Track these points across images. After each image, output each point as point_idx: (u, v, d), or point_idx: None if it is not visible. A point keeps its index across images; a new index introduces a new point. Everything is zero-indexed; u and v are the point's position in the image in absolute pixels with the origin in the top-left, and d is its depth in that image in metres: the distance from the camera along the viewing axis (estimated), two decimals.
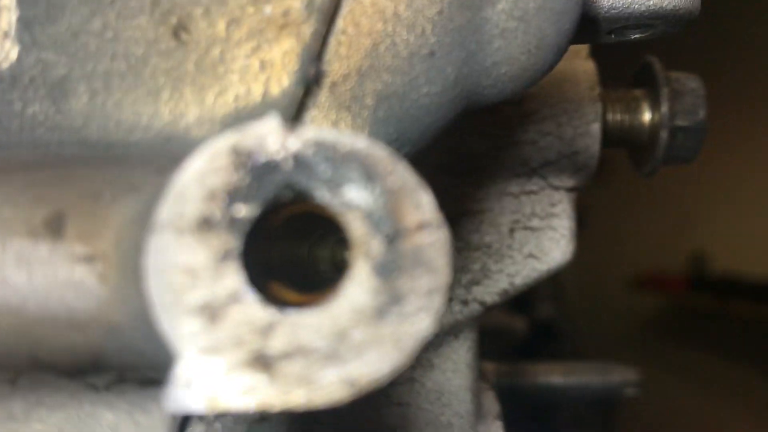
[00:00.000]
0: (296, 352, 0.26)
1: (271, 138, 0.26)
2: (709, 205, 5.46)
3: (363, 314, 0.26)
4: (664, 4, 0.42)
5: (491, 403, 0.65)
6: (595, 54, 0.65)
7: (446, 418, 0.62)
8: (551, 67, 0.38)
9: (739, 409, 4.04)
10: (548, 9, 0.35)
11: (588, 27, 0.41)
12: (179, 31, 0.33)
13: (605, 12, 0.42)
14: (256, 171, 0.26)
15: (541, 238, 0.62)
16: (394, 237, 0.26)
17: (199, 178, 0.26)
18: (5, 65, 0.33)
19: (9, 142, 0.33)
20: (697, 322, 5.67)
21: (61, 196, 0.29)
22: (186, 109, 0.33)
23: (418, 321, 0.26)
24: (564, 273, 0.65)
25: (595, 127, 0.61)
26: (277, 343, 0.26)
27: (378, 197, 0.26)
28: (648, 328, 5.83)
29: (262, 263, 0.28)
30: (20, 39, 0.33)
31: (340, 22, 0.33)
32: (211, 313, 0.26)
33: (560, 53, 0.38)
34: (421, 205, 0.26)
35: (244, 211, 0.26)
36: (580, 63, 0.62)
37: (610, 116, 0.62)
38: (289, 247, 0.31)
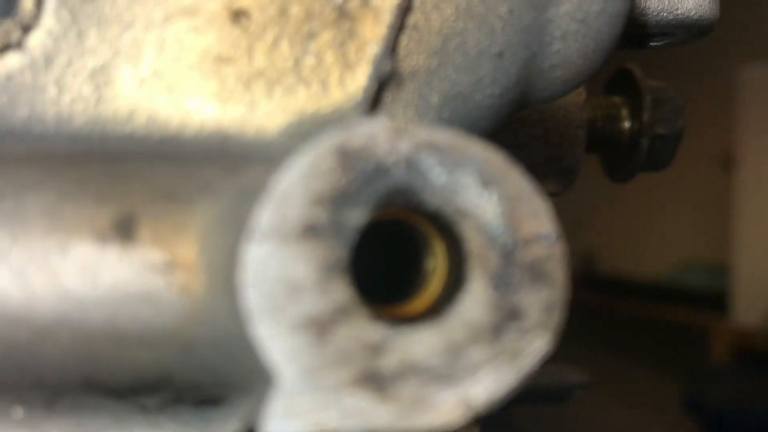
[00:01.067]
0: (409, 371, 0.24)
1: (381, 139, 0.24)
2: (598, 209, 5.70)
3: (480, 331, 0.24)
4: (690, 14, 0.42)
5: None
6: None
7: None
8: (598, 71, 0.37)
9: (622, 401, 4.23)
10: (608, 12, 0.34)
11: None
12: (240, 15, 0.30)
13: (637, 19, 0.42)
14: (366, 175, 0.24)
15: None
16: (512, 249, 0.25)
17: (304, 181, 0.24)
18: (38, 45, 0.29)
19: (44, 134, 0.29)
20: (586, 320, 5.91)
21: (129, 193, 0.26)
22: (246, 104, 0.30)
23: (537, 338, 0.25)
24: None
25: (581, 133, 0.61)
26: (389, 362, 0.24)
27: (495, 205, 0.25)
28: None
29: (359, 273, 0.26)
30: (57, 15, 0.29)
31: (411, 17, 0.31)
32: (318, 328, 0.24)
33: (608, 58, 0.37)
34: (539, 214, 0.25)
35: (353, 217, 0.24)
36: None
37: (592, 122, 0.63)
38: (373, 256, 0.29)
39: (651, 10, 0.42)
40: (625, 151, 0.64)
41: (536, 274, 0.25)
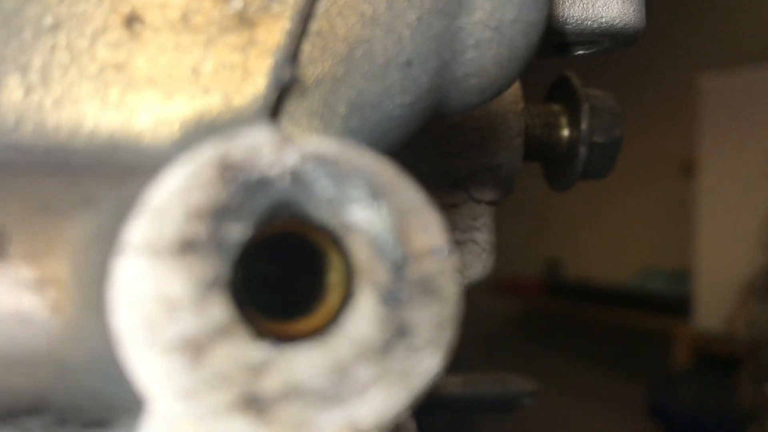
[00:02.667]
0: (293, 392, 0.23)
1: (265, 150, 0.23)
2: (564, 216, 5.75)
3: (368, 349, 0.23)
4: (615, 22, 0.42)
5: (407, 421, 0.63)
6: None
7: None
8: (514, 81, 0.37)
9: (586, 405, 4.26)
10: (523, 21, 0.34)
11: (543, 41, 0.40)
12: (132, 21, 0.29)
13: (559, 27, 0.42)
14: (248, 188, 0.23)
15: (463, 251, 0.61)
16: (402, 263, 0.24)
17: (182, 193, 0.23)
18: None
19: None
20: (551, 325, 5.96)
21: (3, 207, 0.24)
22: (139, 111, 0.29)
23: (428, 356, 0.24)
24: None
25: (518, 141, 0.60)
26: (271, 383, 0.23)
27: (385, 219, 0.24)
28: (506, 330, 6.07)
29: (242, 289, 0.25)
30: None
31: (314, 24, 0.30)
32: (194, 349, 0.22)
33: (525, 67, 0.36)
34: (431, 227, 0.24)
35: (235, 232, 0.23)
36: None
37: (530, 130, 0.62)
38: (263, 270, 0.28)
39: (574, 18, 0.41)
40: (564, 159, 0.63)
41: (427, 289, 0.24)
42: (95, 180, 0.26)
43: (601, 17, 0.42)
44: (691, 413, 3.68)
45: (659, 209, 5.19)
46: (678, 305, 4.54)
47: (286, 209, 0.23)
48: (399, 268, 0.24)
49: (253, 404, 0.23)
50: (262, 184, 0.23)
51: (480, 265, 0.61)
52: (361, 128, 0.32)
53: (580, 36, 0.42)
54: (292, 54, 0.29)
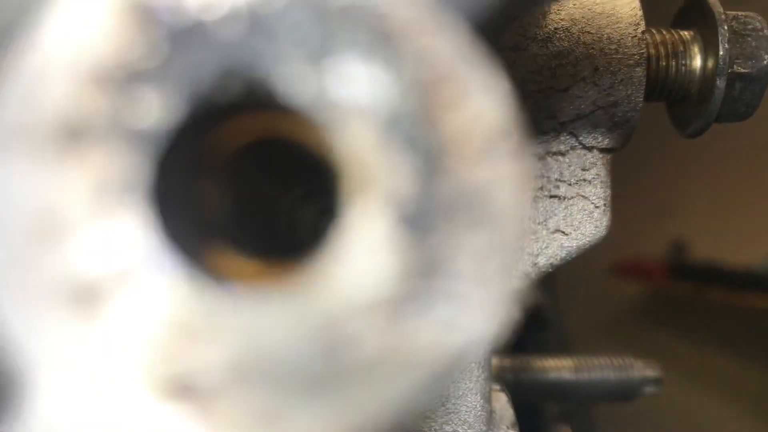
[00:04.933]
0: (251, 371, 0.14)
1: None
2: (690, 193, 5.42)
3: (375, 305, 0.14)
4: None
5: (504, 409, 0.54)
6: None
7: (452, 428, 0.50)
8: None
9: (717, 393, 4.00)
10: None
11: None
12: None
13: None
14: (177, 40, 0.14)
15: (571, 208, 0.50)
16: (433, 166, 0.14)
17: (71, 49, 0.14)
18: None
19: None
20: (676, 310, 5.66)
21: None
22: None
23: (469, 314, 0.14)
24: None
25: (639, 73, 0.49)
26: (216, 355, 0.14)
27: (405, 93, 0.14)
28: (628, 315, 5.82)
29: (195, 214, 0.16)
30: None
31: None
32: (89, 297, 0.14)
33: None
34: (484, 109, 0.14)
35: (153, 111, 0.14)
36: None
37: (653, 61, 0.51)
38: (252, 194, 0.19)
39: None
40: (697, 96, 0.51)
41: (473, 205, 0.14)
42: None
43: None
44: None
45: None
46: None
47: (240, 78, 0.14)
48: (429, 171, 0.14)
49: (189, 388, 0.14)
50: (198, 33, 0.14)
51: (592, 225, 0.51)
52: None
53: None
54: None
